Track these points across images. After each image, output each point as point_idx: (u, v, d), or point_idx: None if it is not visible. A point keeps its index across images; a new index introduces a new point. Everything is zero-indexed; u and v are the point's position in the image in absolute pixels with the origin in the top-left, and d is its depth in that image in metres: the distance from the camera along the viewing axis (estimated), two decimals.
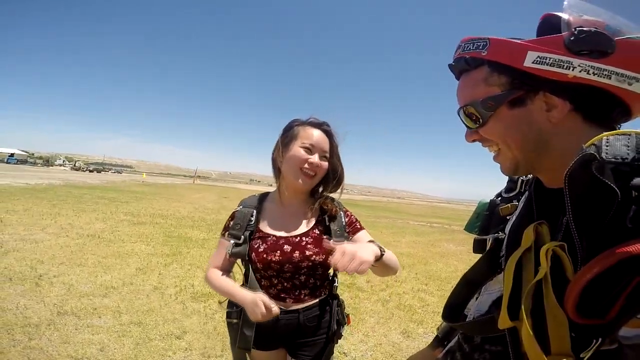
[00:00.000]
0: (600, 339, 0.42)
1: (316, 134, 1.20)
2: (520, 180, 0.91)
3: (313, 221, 1.24)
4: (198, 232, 7.99)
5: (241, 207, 1.25)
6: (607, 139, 0.43)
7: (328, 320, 1.24)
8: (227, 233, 1.22)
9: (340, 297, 1.32)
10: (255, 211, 1.23)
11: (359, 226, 1.27)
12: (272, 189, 1.37)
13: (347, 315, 1.33)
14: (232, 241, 1.18)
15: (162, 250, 5.76)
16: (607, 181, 0.39)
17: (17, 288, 3.41)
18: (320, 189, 1.29)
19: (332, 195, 1.32)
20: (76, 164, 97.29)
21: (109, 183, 27.60)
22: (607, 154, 0.42)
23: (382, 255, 1.00)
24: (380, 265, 1.03)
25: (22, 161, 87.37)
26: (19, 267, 4.02)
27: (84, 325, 2.80)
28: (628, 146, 0.42)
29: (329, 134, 1.23)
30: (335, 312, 1.26)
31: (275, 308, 1.00)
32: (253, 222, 1.21)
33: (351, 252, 0.86)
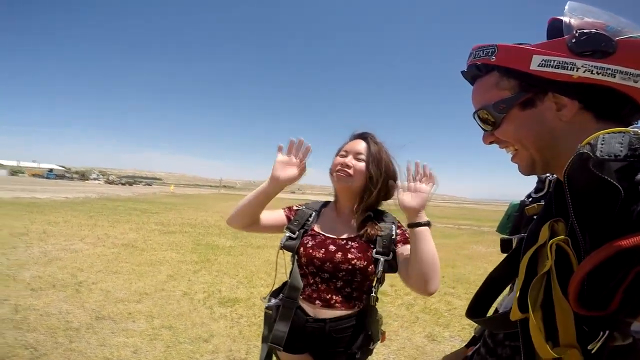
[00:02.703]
0: (607, 332, 0.43)
1: (352, 141, 1.30)
2: (548, 181, 0.91)
3: (361, 229, 1.26)
4: (225, 240, 8.21)
5: (304, 207, 1.36)
6: (603, 137, 0.44)
7: (357, 334, 1.19)
8: (286, 209, 1.36)
9: (379, 311, 1.28)
10: (314, 213, 1.33)
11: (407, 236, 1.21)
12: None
13: (383, 333, 1.30)
14: (287, 234, 1.27)
15: (191, 257, 5.98)
16: (607, 177, 0.41)
17: (60, 294, 3.65)
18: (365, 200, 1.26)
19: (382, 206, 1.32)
20: (109, 178, 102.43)
21: (140, 195, 28.85)
22: (601, 151, 0.43)
23: (428, 224, 1.08)
24: (417, 239, 1.06)
25: (60, 176, 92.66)
26: (62, 275, 4.30)
27: (120, 329, 2.96)
28: (621, 143, 0.43)
29: (367, 140, 1.29)
30: (368, 327, 1.21)
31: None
32: (310, 223, 1.30)
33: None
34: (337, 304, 1.17)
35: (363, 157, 1.25)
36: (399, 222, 1.30)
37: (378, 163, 1.26)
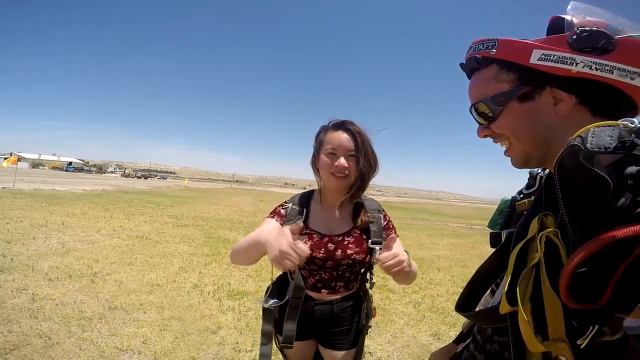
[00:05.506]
0: (596, 326, 0.42)
1: (338, 136, 1.23)
2: (539, 177, 0.91)
3: (353, 222, 1.29)
4: (236, 233, 8.33)
5: (291, 204, 1.32)
6: (594, 130, 0.45)
7: (359, 312, 1.30)
8: (275, 217, 1.26)
9: (370, 291, 1.37)
10: (305, 209, 1.30)
11: (394, 234, 1.30)
12: (305, 192, 1.43)
13: (374, 309, 1.38)
14: None
15: (202, 250, 6.10)
16: (597, 170, 0.41)
17: (76, 284, 3.78)
18: (353, 190, 1.27)
19: (365, 194, 1.33)
20: (126, 171, 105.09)
21: (155, 188, 29.45)
22: (591, 144, 0.43)
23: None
24: (404, 275, 1.12)
25: (79, 169, 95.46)
26: (78, 265, 4.45)
27: (131, 320, 3.04)
28: (611, 136, 0.44)
29: (351, 132, 1.23)
30: (365, 305, 1.32)
31: (304, 248, 0.91)
32: (302, 219, 1.26)
33: (394, 254, 1.01)
34: (340, 289, 1.27)
35: (354, 153, 1.22)
36: (384, 211, 1.36)
37: (368, 157, 1.25)
